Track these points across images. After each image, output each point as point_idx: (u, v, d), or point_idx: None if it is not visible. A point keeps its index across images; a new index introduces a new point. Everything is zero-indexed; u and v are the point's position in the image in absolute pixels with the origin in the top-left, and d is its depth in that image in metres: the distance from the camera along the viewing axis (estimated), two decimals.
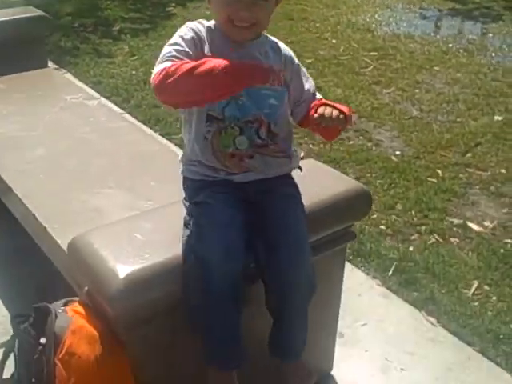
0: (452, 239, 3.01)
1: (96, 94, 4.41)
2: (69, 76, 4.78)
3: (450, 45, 5.75)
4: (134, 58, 5.19)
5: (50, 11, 6.11)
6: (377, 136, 4.02)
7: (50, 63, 4.74)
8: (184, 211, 1.70)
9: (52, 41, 5.43)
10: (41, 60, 3.62)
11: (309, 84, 1.76)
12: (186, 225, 1.64)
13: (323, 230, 1.88)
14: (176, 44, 1.60)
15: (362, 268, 2.79)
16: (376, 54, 5.43)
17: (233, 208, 1.61)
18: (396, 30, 6.14)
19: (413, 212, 3.20)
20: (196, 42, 1.61)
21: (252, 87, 1.60)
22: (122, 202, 2.23)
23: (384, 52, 5.47)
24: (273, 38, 1.75)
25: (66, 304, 1.68)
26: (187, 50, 1.59)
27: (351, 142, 3.92)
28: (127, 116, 4.15)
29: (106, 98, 4.43)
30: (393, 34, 6.00)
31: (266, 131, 1.67)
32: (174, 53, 1.57)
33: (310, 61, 5.18)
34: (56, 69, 4.85)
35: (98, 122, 2.88)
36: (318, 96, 1.75)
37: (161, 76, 1.51)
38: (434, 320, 2.50)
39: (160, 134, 3.88)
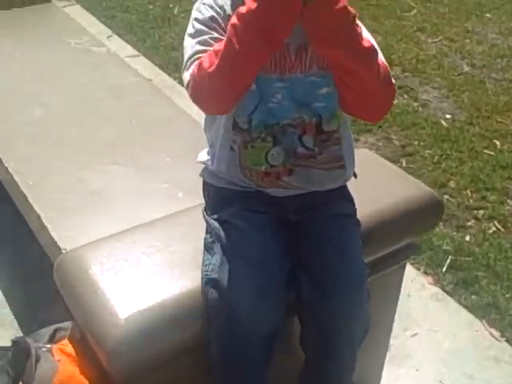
0: None
1: (107, 32, 3.93)
2: (78, 8, 4.29)
3: None
4: None
5: None
6: (423, 95, 3.54)
7: None
8: (205, 226, 1.29)
9: None
10: None
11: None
12: (207, 249, 1.24)
13: (382, 248, 1.48)
14: (196, 34, 1.20)
15: (412, 261, 2.38)
16: None
17: (271, 235, 1.23)
18: None
19: (468, 192, 2.77)
20: (218, 18, 1.20)
21: (294, 74, 1.19)
22: (129, 184, 1.84)
23: None
24: None
25: (53, 337, 1.29)
26: (213, 34, 1.18)
27: (395, 101, 3.44)
28: (142, 59, 3.69)
29: (120, 36, 3.95)
30: None
31: (313, 135, 1.25)
32: (199, 48, 1.18)
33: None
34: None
35: (105, 76, 2.44)
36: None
37: (193, 86, 1.17)
38: (497, 333, 2.11)
39: (179, 83, 3.42)
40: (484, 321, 2.15)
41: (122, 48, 3.80)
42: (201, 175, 1.38)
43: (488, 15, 4.61)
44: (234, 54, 1.08)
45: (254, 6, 1.05)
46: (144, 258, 1.29)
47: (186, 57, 1.21)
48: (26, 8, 3.15)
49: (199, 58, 1.16)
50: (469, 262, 2.39)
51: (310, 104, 1.23)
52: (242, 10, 1.07)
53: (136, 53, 3.74)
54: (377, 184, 1.57)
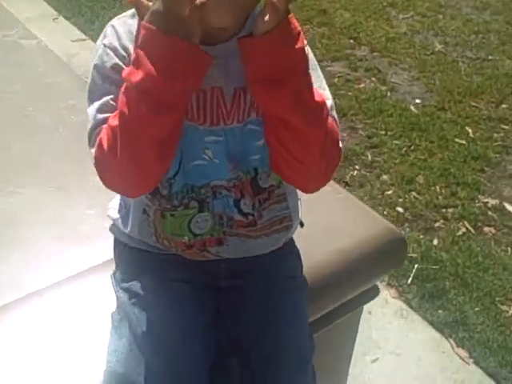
0: (486, 229, 2.40)
1: (53, 13, 3.64)
2: None
3: None
4: None
5: None
6: (392, 77, 3.31)
7: None
8: (114, 297, 1.07)
9: None
10: None
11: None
12: (114, 328, 1.01)
13: (337, 299, 1.27)
14: (95, 94, 0.97)
15: None
16: None
17: (193, 312, 1.00)
18: None
19: (437, 188, 2.57)
20: (124, 66, 0.94)
21: (226, 125, 0.96)
22: (48, 210, 1.60)
23: None
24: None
25: None
26: (116, 93, 0.92)
27: (361, 85, 3.22)
28: (89, 43, 3.41)
29: (67, 18, 3.66)
30: None
31: (251, 197, 1.02)
32: (99, 116, 0.95)
33: None
34: None
35: (32, 75, 2.19)
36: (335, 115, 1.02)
37: (101, 171, 0.95)
38: (465, 354, 1.93)
39: None
40: (451, 339, 1.97)
41: (68, 31, 3.52)
42: (111, 230, 1.15)
43: None
44: (134, 133, 0.86)
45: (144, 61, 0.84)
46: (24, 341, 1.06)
47: (88, 126, 0.98)
48: None
49: (101, 130, 0.93)
50: (436, 270, 2.19)
51: (246, 158, 1.00)
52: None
53: (83, 36, 3.46)
54: (335, 221, 1.36)
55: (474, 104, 3.11)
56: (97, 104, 0.95)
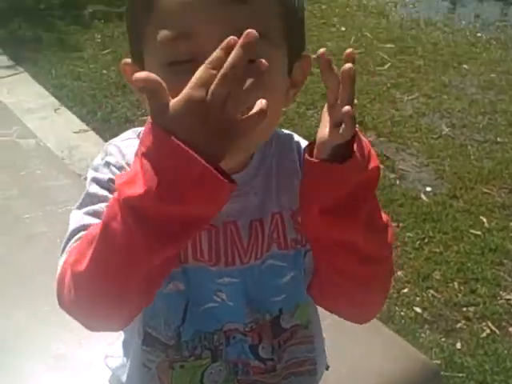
0: None
1: (55, 104, 3.61)
2: (26, 76, 3.97)
3: (479, 34, 4.93)
4: (107, 51, 4.35)
5: None
6: (401, 164, 3.24)
7: None
8: None
9: (11, 28, 4.59)
10: None
11: None
12: None
13: None
14: (88, 199, 0.84)
15: None
16: (393, 46, 4.60)
17: None
18: (414, 14, 5.31)
19: (455, 284, 2.45)
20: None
21: (243, 264, 0.85)
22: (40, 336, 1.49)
23: (402, 44, 4.64)
24: (296, 138, 0.94)
25: None
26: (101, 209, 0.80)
27: None
28: (91, 134, 3.36)
29: (69, 108, 3.62)
30: (411, 20, 5.16)
31: (270, 340, 0.90)
32: (86, 220, 0.82)
33: (315, 56, 4.34)
34: (11, 66, 4.03)
35: (30, 178, 2.12)
36: None
37: (60, 288, 0.79)
38: None
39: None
40: None
41: (69, 122, 3.47)
42: (110, 382, 1.03)
43: (465, 66, 4.35)
44: (115, 255, 0.71)
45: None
46: None
47: (68, 231, 0.87)
48: None
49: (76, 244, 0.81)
50: (463, 379, 2.05)
51: (267, 299, 0.89)
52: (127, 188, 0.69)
53: (85, 127, 3.40)
54: (356, 356, 1.24)
55: (486, 191, 3.03)
56: (87, 209, 0.83)
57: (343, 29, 4.90)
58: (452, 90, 4.03)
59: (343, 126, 0.72)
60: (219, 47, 0.67)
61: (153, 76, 0.67)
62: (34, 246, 1.99)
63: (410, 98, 3.91)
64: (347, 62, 0.74)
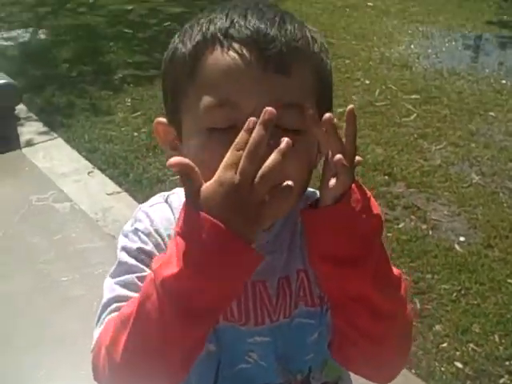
0: None
1: (88, 167, 3.70)
2: (60, 141, 4.08)
3: (503, 81, 4.95)
4: (137, 114, 4.46)
5: (47, 58, 5.51)
6: (432, 214, 3.22)
7: (32, 133, 4.06)
8: None
9: (45, 96, 4.75)
10: (9, 140, 2.91)
11: None
12: None
13: None
14: (119, 270, 0.88)
15: None
16: (418, 97, 4.64)
17: None
18: (437, 65, 5.35)
19: (496, 337, 2.40)
20: (156, 252, 0.86)
21: (272, 322, 0.87)
22: None
23: (427, 94, 4.68)
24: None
25: None
26: (143, 272, 0.84)
27: (401, 225, 3.13)
28: (124, 196, 3.42)
29: (101, 170, 3.70)
30: (434, 70, 5.21)
31: None
32: (120, 292, 0.84)
33: (341, 110, 4.38)
34: (46, 132, 4.15)
35: (66, 241, 2.17)
36: None
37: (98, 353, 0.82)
38: None
39: None
40: None
41: (102, 184, 3.55)
42: None
43: (492, 113, 4.36)
44: (150, 333, 0.75)
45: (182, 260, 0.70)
46: None
47: (101, 303, 0.89)
48: None
49: (118, 309, 0.83)
50: None
51: (297, 358, 0.90)
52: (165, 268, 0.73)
53: (118, 189, 3.48)
54: None
55: None
56: (118, 279, 0.87)
57: (367, 82, 4.96)
58: (480, 137, 4.03)
59: (338, 175, 0.76)
60: (243, 129, 0.71)
61: (186, 161, 0.71)
62: (72, 308, 2.01)
63: (437, 147, 3.92)
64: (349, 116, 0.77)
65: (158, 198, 0.97)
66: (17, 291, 2.10)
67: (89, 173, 3.68)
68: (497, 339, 2.39)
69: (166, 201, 0.94)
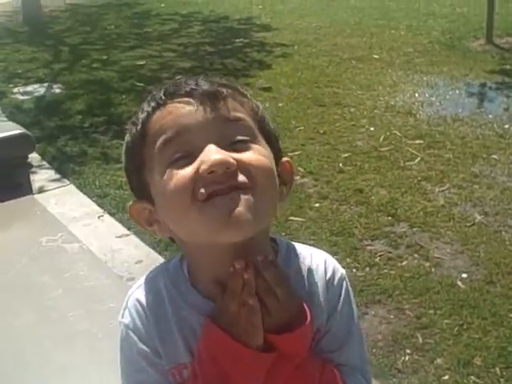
0: None
1: (99, 211, 3.80)
2: (72, 188, 4.20)
3: (506, 126, 5.03)
4: None
5: (60, 111, 5.70)
6: (435, 252, 3.26)
7: (44, 180, 4.19)
8: None
9: (58, 145, 4.90)
10: (21, 186, 3.02)
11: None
12: None
13: None
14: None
15: None
16: (422, 142, 4.73)
17: None
18: (441, 112, 5.46)
19: (497, 369, 2.41)
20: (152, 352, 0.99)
21: None
22: None
23: (431, 139, 4.77)
24: (318, 253, 1.08)
25: None
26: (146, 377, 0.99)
27: (404, 263, 3.17)
28: (132, 238, 3.50)
29: (111, 214, 3.80)
30: (438, 117, 5.31)
31: None
32: None
33: (346, 155, 4.51)
34: (58, 179, 4.28)
35: (74, 279, 2.24)
36: None
37: None
38: None
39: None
40: None
41: (112, 227, 3.64)
42: None
43: (495, 157, 4.43)
44: None
45: None
46: None
47: None
48: (6, 203, 3.04)
49: None
50: None
51: None
52: None
53: (127, 232, 3.56)
54: None
55: None
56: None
57: (372, 129, 5.06)
58: (483, 179, 4.09)
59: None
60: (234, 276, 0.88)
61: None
62: (78, 342, 2.06)
63: (441, 189, 3.98)
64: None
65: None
66: (25, 326, 2.16)
67: (99, 217, 3.77)
68: (498, 372, 2.40)
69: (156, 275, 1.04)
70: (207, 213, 0.86)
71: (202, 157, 0.87)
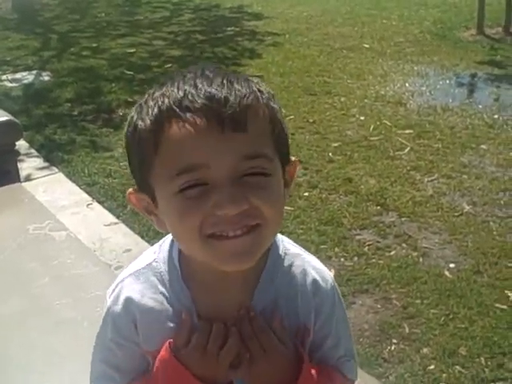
0: None
1: (87, 199, 3.78)
2: (60, 176, 4.18)
3: (496, 116, 5.04)
4: None
5: (49, 98, 5.66)
6: (423, 242, 3.27)
7: (33, 168, 4.17)
8: None
9: (47, 133, 4.87)
10: (8, 174, 3.00)
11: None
12: None
13: None
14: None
15: None
16: (411, 131, 4.73)
17: None
18: (431, 101, 5.46)
19: (482, 359, 2.43)
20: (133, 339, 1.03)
21: None
22: None
23: (420, 129, 4.77)
24: (308, 259, 1.07)
25: None
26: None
27: (392, 253, 3.18)
28: (121, 226, 3.49)
29: (100, 202, 3.78)
30: (428, 106, 5.31)
31: None
32: None
33: (336, 144, 4.50)
34: (46, 167, 4.25)
35: (61, 267, 2.23)
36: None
37: None
38: None
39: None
40: None
41: (101, 215, 3.62)
42: None
43: (484, 146, 4.44)
44: None
45: None
46: None
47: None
48: None
49: None
50: None
51: None
52: None
53: (115, 220, 3.55)
54: None
55: (510, 265, 3.03)
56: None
57: (362, 118, 5.06)
58: (472, 169, 4.10)
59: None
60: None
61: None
62: (64, 329, 2.06)
63: (430, 179, 3.99)
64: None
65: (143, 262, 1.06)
66: (11, 313, 2.15)
67: (87, 205, 3.75)
68: (483, 361, 2.41)
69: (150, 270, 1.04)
70: (212, 250, 0.89)
71: (217, 198, 0.86)
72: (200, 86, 0.88)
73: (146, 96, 0.94)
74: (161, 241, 1.07)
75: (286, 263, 1.02)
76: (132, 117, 0.94)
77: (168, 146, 0.88)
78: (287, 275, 1.01)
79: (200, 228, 0.88)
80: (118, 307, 1.02)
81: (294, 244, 1.07)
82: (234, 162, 0.85)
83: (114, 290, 1.04)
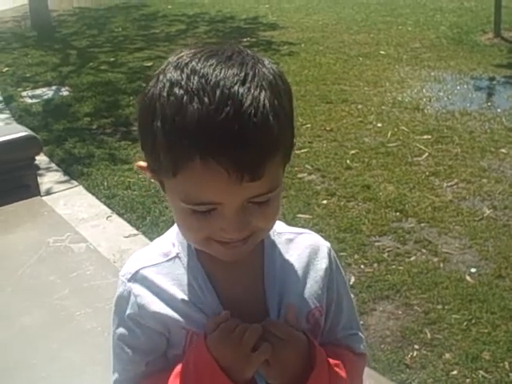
0: None
1: (107, 212, 3.82)
2: (80, 189, 4.22)
3: None
4: None
5: (68, 113, 5.72)
6: (444, 247, 3.25)
7: (52, 183, 4.23)
8: None
9: (66, 148, 4.93)
10: (28, 188, 3.03)
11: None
12: None
13: None
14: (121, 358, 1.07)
15: None
16: (430, 137, 4.71)
17: None
18: (449, 106, 5.43)
19: (506, 363, 2.40)
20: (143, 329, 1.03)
21: None
22: None
23: (439, 134, 4.75)
24: (300, 231, 1.09)
25: None
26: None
27: (412, 259, 3.16)
28: (141, 237, 3.52)
29: (119, 214, 3.82)
30: (446, 112, 5.28)
31: None
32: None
33: (353, 152, 4.50)
34: (66, 181, 4.30)
35: (80, 279, 2.24)
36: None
37: None
38: None
39: None
40: None
41: (120, 227, 3.66)
42: None
43: (503, 150, 4.40)
44: None
45: None
46: None
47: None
48: (14, 204, 3.05)
49: None
50: None
51: None
52: None
53: (135, 231, 3.58)
54: None
55: None
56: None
57: (379, 125, 5.05)
58: (491, 173, 4.06)
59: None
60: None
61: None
62: (85, 340, 2.06)
63: (449, 184, 3.96)
64: None
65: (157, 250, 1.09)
66: (32, 325, 2.16)
67: (107, 217, 3.79)
68: (507, 366, 2.38)
69: (169, 258, 1.04)
70: (212, 248, 0.94)
71: (224, 226, 0.89)
72: (229, 119, 0.84)
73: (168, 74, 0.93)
74: (172, 231, 1.06)
75: (283, 241, 1.04)
76: (150, 91, 0.98)
77: (186, 177, 0.87)
78: (286, 252, 1.03)
79: (204, 235, 0.93)
80: (140, 296, 1.04)
81: (282, 223, 1.08)
82: (246, 199, 0.88)
83: (128, 272, 1.09)
